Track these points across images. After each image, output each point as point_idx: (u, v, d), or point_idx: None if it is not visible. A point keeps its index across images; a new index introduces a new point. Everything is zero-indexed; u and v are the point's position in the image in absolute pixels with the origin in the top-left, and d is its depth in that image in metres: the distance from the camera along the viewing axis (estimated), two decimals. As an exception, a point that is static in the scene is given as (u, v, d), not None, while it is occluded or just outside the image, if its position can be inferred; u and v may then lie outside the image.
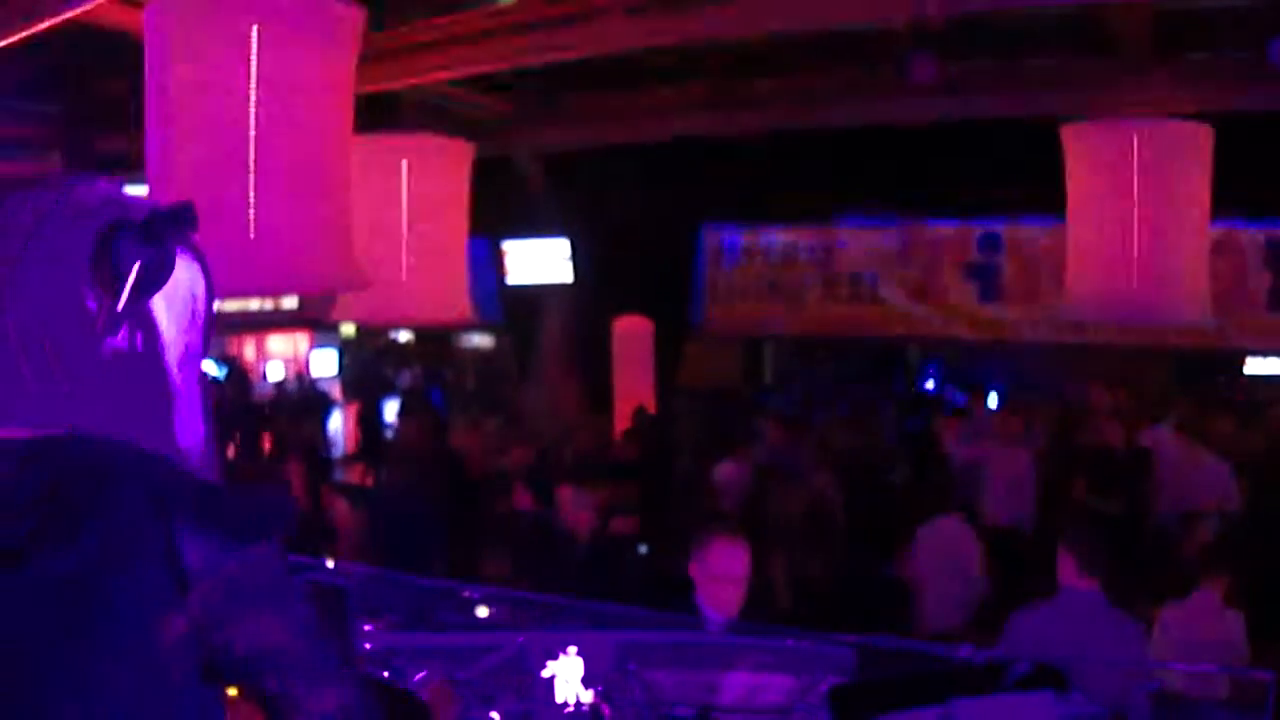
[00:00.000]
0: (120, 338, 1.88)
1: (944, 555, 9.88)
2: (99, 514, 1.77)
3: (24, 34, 8.83)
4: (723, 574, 5.60)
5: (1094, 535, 6.59)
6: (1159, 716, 6.00)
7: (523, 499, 10.54)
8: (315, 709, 1.97)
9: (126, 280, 1.86)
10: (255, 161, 7.12)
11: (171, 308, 1.96)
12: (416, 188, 10.54)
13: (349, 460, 13.58)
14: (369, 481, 12.50)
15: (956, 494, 10.66)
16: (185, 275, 1.99)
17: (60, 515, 1.76)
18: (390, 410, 19.96)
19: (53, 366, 1.85)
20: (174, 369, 1.95)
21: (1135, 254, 10.31)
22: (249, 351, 23.79)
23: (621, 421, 16.62)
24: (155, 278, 1.90)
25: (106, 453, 1.83)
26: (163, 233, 1.91)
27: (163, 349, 1.94)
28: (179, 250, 1.95)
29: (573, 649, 3.99)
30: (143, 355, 1.91)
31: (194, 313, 2.01)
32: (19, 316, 1.85)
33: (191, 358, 1.99)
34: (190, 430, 1.96)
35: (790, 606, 9.67)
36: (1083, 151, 10.72)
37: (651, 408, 16.93)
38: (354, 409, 19.84)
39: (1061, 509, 11.86)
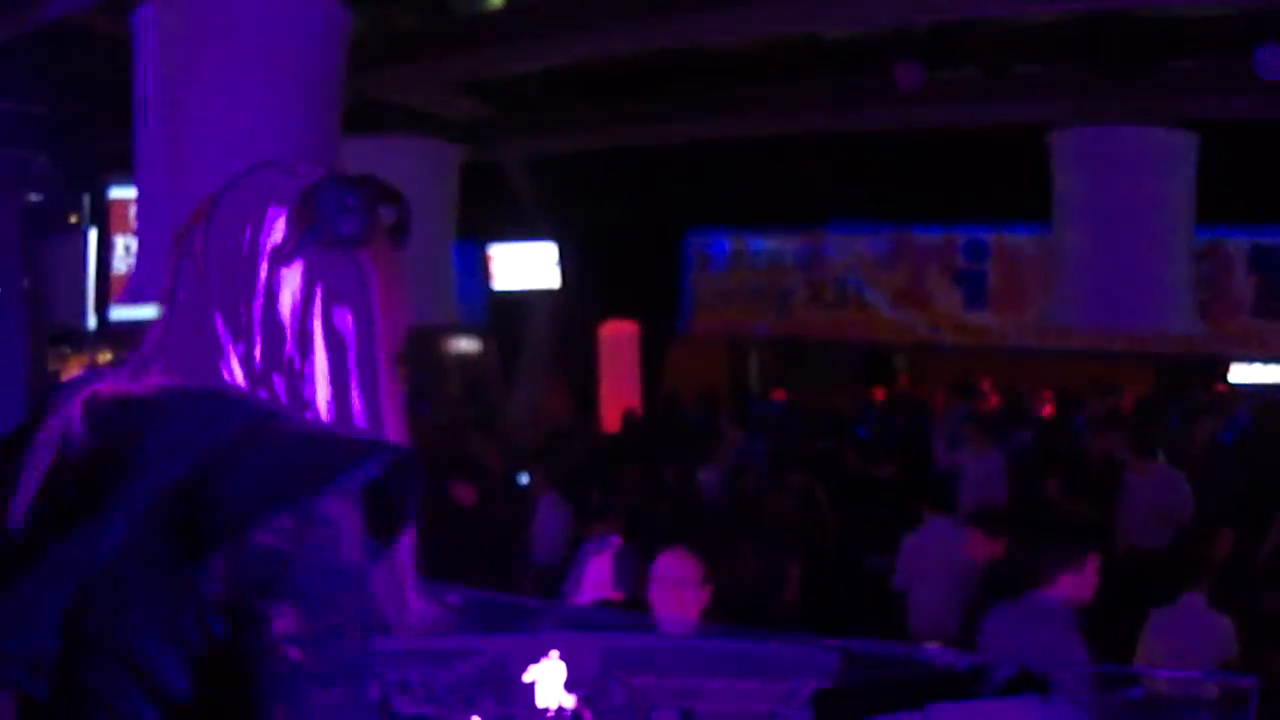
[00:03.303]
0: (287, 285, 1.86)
1: (932, 557, 9.89)
2: (123, 485, 1.68)
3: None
4: (660, 578, 5.72)
5: (1066, 539, 6.60)
6: (1144, 719, 6.01)
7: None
8: None
9: (323, 227, 1.87)
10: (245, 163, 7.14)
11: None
12: (403, 191, 10.57)
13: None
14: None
15: (941, 495, 10.66)
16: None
17: (92, 492, 1.70)
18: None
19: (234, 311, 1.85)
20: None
21: (1120, 261, 10.35)
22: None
23: (607, 425, 16.64)
24: (351, 232, 1.90)
25: (167, 405, 1.77)
26: (371, 199, 1.94)
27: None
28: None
29: (554, 653, 3.99)
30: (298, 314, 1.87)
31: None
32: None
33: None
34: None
35: (799, 609, 9.70)
36: (1069, 159, 10.77)
37: (638, 412, 16.96)
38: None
39: (1033, 510, 11.93)
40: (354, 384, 1.87)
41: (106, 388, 1.80)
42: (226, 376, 1.83)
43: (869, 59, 12.31)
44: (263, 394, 1.83)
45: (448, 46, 11.92)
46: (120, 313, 15.64)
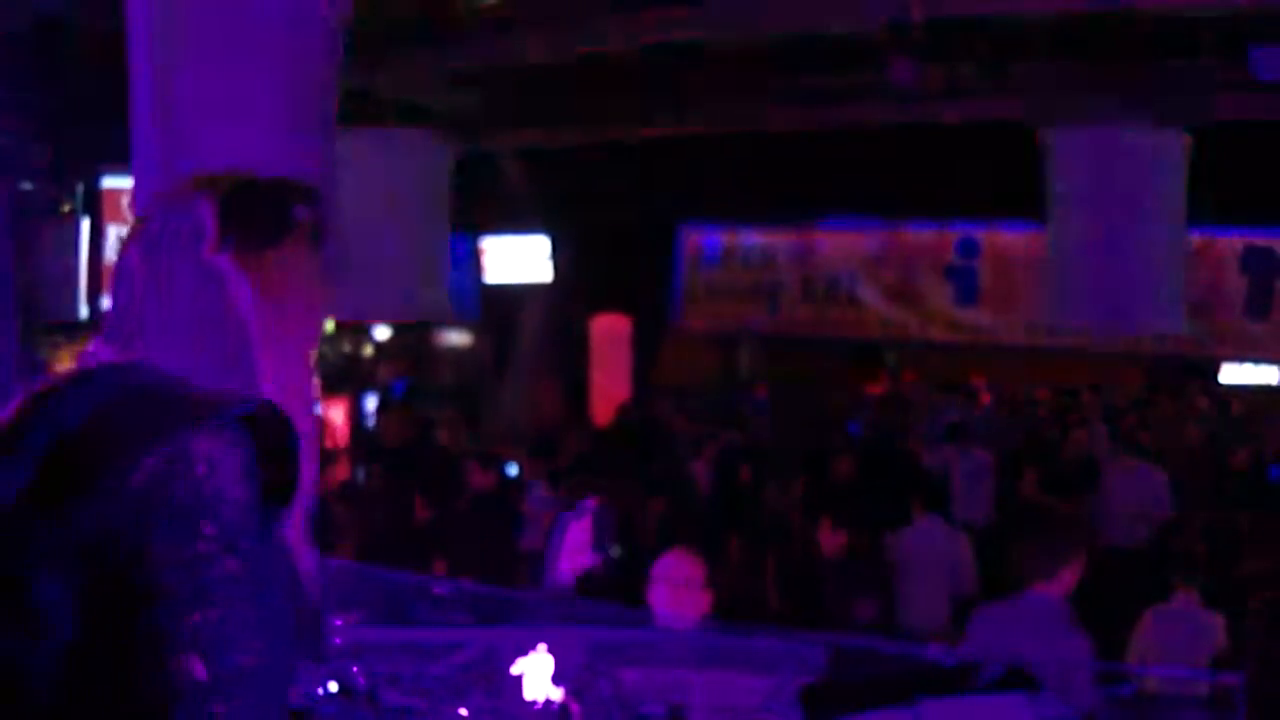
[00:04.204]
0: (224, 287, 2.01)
1: (921, 555, 9.92)
2: (21, 447, 1.85)
3: None
4: (663, 578, 5.63)
5: (1050, 538, 6.61)
6: (1136, 716, 6.03)
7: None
8: (170, 673, 1.75)
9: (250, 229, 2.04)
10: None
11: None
12: (397, 183, 10.56)
13: (335, 456, 13.54)
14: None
15: (926, 493, 10.68)
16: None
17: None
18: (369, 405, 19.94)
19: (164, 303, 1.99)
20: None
21: (1112, 260, 10.36)
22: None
23: (598, 419, 16.65)
24: (268, 234, 2.06)
25: (69, 383, 1.93)
26: (287, 198, 2.11)
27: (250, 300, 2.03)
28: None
29: (542, 646, 3.99)
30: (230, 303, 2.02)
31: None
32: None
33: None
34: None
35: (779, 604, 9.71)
36: (1061, 157, 10.77)
37: (631, 407, 16.96)
38: (343, 404, 19.76)
39: (1013, 506, 12.00)
40: (271, 371, 2.02)
41: (46, 379, 1.96)
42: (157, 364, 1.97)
43: (863, 55, 12.30)
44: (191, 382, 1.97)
45: (442, 39, 11.92)
46: (112, 303, 15.60)
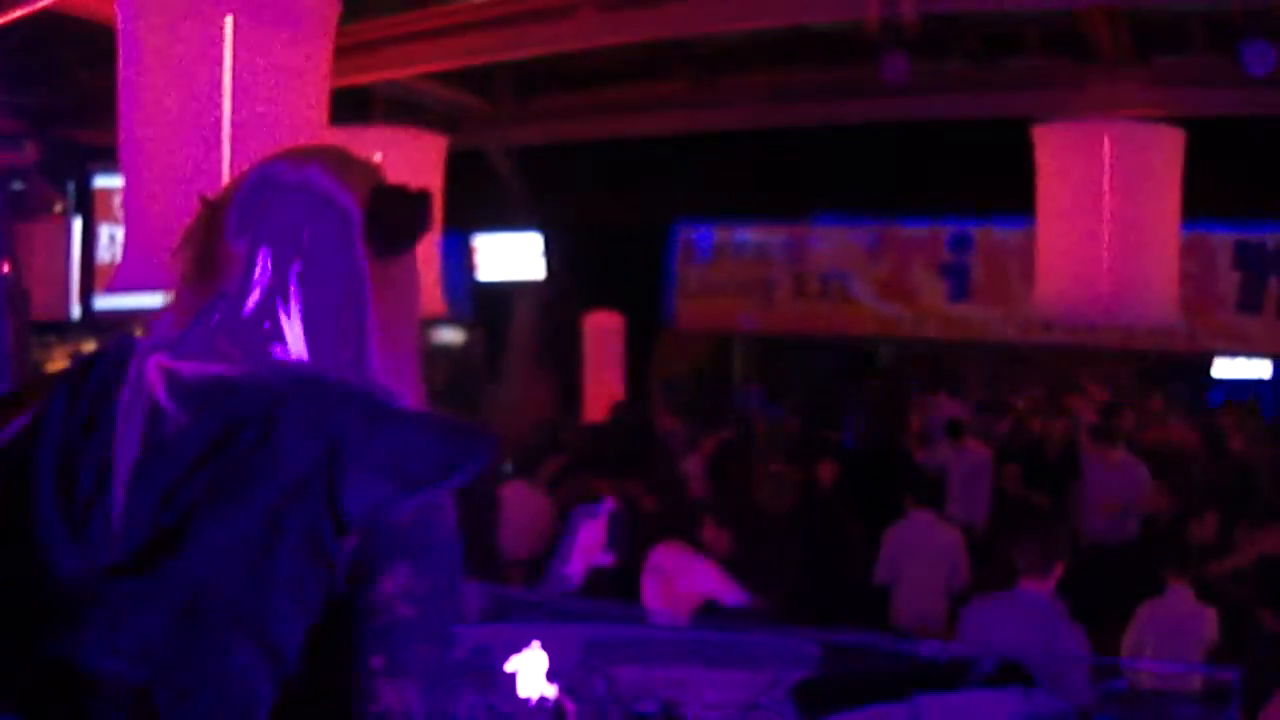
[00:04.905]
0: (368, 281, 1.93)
1: (915, 550, 9.92)
2: (265, 469, 1.70)
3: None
4: (655, 570, 5.66)
5: (1044, 535, 6.64)
6: (1130, 710, 6.03)
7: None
8: (382, 699, 1.72)
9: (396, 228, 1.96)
10: (231, 153, 7.11)
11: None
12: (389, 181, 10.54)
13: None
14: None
15: (919, 488, 10.69)
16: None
17: (224, 478, 1.70)
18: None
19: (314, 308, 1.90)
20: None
21: (1105, 255, 10.34)
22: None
23: (591, 417, 16.62)
24: (411, 240, 1.99)
25: (284, 390, 1.78)
26: (423, 213, 2.01)
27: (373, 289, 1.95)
28: None
29: (537, 643, 3.98)
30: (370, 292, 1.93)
31: None
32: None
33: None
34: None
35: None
36: (1054, 152, 10.74)
37: (625, 404, 16.94)
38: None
39: (1011, 505, 12.02)
40: (402, 367, 1.95)
41: (185, 367, 1.80)
42: (290, 358, 1.88)
43: (855, 51, 12.30)
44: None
45: (434, 36, 11.91)
46: (105, 302, 15.61)
